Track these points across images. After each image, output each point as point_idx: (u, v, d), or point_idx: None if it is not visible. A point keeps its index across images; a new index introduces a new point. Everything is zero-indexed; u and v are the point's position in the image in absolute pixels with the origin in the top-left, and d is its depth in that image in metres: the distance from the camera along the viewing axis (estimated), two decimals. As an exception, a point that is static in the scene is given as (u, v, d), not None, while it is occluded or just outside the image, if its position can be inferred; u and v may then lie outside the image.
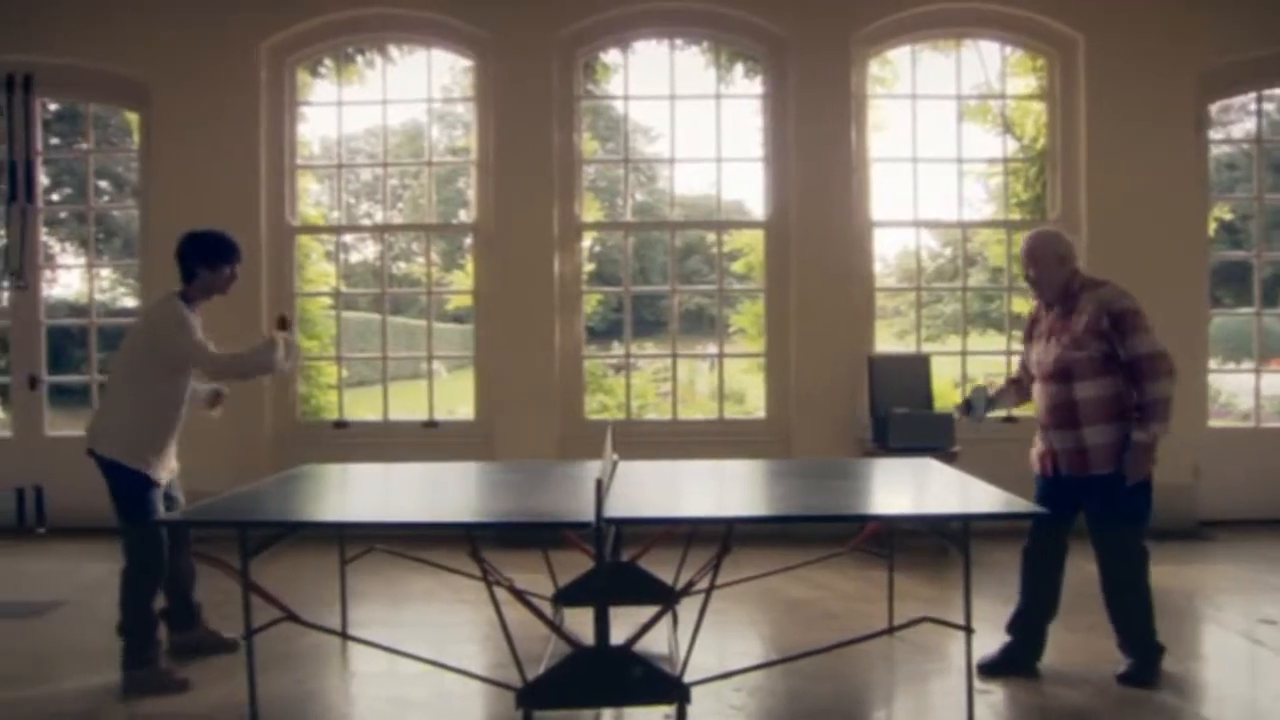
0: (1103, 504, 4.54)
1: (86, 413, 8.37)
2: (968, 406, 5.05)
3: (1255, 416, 8.47)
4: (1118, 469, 4.48)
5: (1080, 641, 4.98)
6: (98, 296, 9.11)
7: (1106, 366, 4.49)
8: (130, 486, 4.72)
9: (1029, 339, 4.91)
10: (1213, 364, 8.87)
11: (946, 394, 8.41)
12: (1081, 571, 4.80)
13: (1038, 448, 4.78)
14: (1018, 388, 5.07)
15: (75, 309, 11.30)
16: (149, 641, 4.68)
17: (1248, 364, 8.71)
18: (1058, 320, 4.66)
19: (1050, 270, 4.66)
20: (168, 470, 4.91)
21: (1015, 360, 8.20)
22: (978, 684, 4.23)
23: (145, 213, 8.30)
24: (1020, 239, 8.16)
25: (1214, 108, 8.39)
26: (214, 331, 5.08)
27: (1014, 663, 4.73)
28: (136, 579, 4.69)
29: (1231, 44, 7.95)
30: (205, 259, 4.88)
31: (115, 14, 7.97)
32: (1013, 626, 4.81)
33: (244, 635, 3.92)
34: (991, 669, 4.70)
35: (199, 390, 5.05)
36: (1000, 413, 5.44)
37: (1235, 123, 9.92)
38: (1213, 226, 8.50)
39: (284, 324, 5.23)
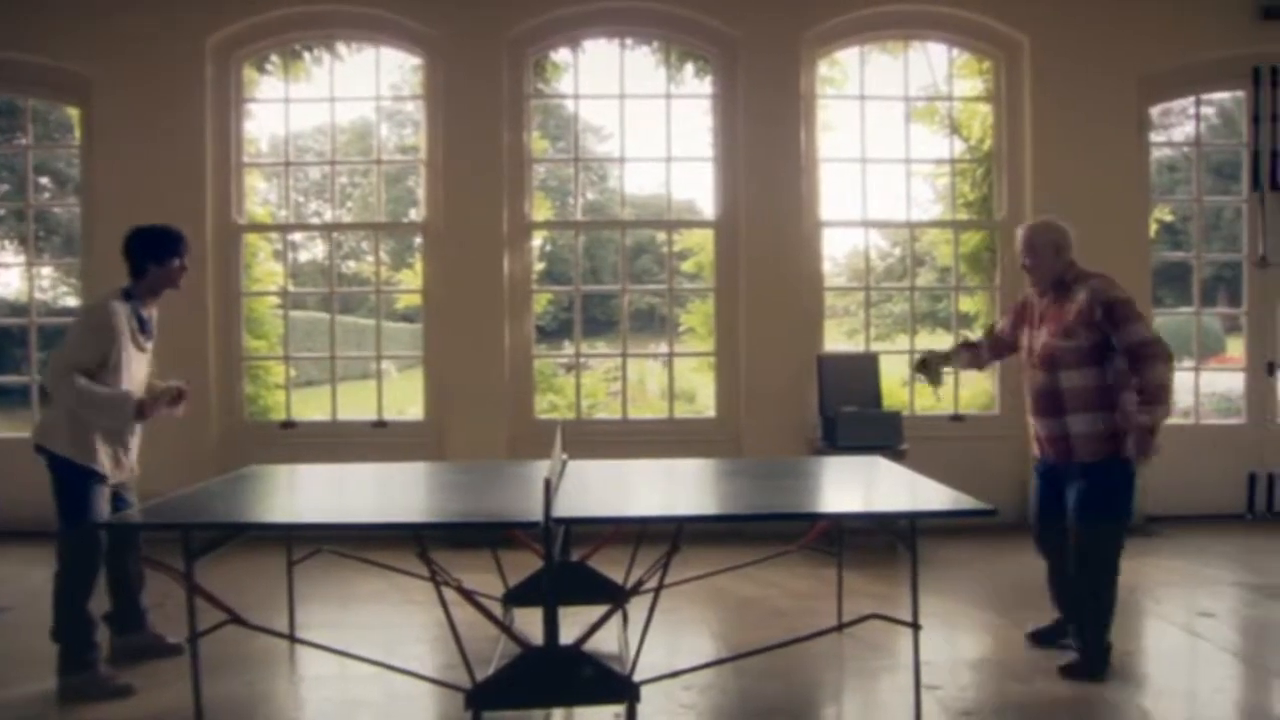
0: (1084, 493, 4.62)
1: (26, 414, 8.27)
2: (923, 365, 5.18)
3: (1195, 414, 8.63)
4: (1103, 459, 4.57)
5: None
6: (38, 295, 8.92)
7: (1093, 357, 4.57)
8: (72, 483, 4.63)
9: (1018, 322, 5.00)
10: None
11: (895, 393, 8.49)
12: (1031, 567, 4.87)
13: (1031, 432, 4.90)
14: (974, 350, 5.21)
15: (14, 308, 11.07)
16: (86, 645, 4.59)
17: (1188, 362, 8.85)
18: (1049, 309, 4.76)
19: (1046, 259, 4.75)
20: (121, 469, 4.82)
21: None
22: (926, 680, 4.27)
23: (87, 210, 8.16)
24: (968, 239, 8.37)
25: (1155, 110, 8.54)
26: (160, 330, 5.02)
27: (1063, 633, 4.90)
28: (70, 581, 4.60)
29: (1172, 48, 8.11)
30: (153, 254, 4.81)
31: (56, 6, 7.82)
32: (1056, 600, 4.95)
33: (188, 639, 3.87)
34: (1041, 638, 4.96)
35: (155, 386, 4.94)
36: (947, 407, 5.48)
37: (1176, 125, 10.06)
38: (1154, 227, 8.65)
39: (179, 398, 4.89)
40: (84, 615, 4.61)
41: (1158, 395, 4.47)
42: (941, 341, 9.51)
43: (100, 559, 4.65)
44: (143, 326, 4.87)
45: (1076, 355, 4.59)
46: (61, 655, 4.58)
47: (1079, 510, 4.64)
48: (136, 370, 4.82)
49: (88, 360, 4.58)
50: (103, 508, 4.68)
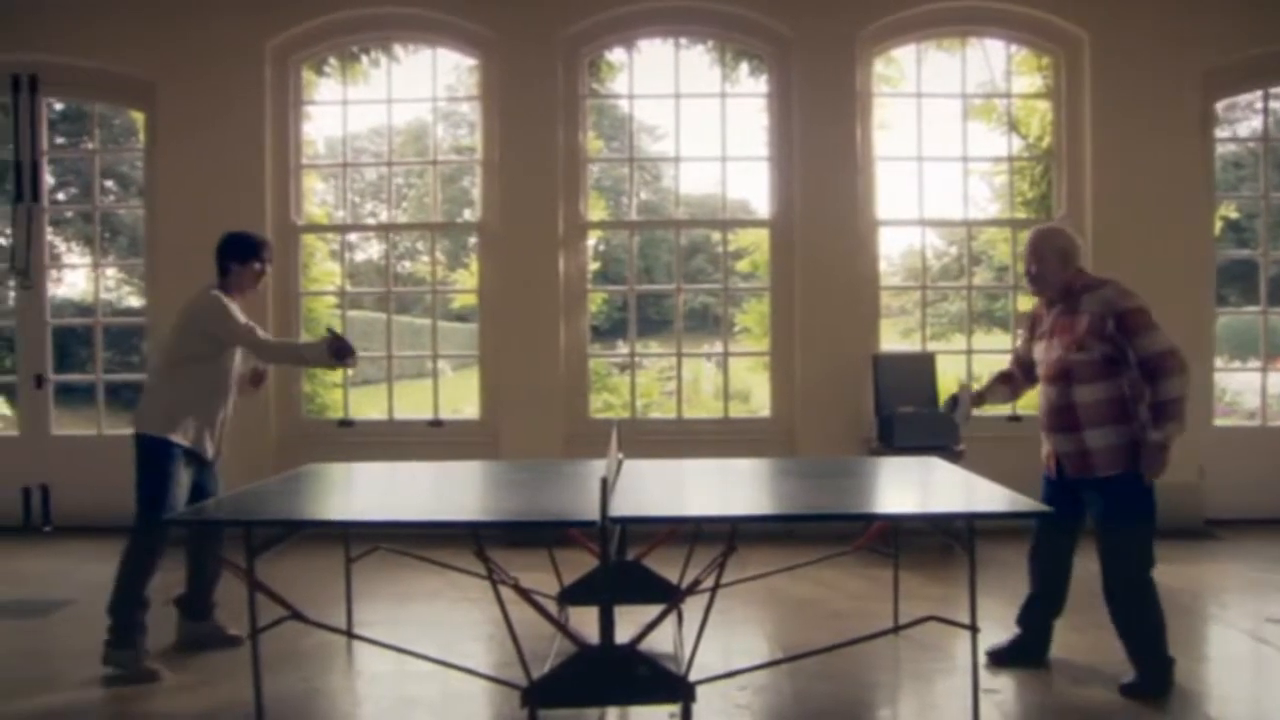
0: (1107, 506, 4.46)
1: (92, 412, 8.43)
2: (954, 403, 5.06)
3: (1261, 415, 8.45)
4: (1121, 471, 4.40)
5: (1088, 640, 4.96)
6: (103, 296, 9.09)
7: (1108, 369, 4.40)
8: (154, 459, 4.88)
9: (1031, 336, 4.85)
10: (1218, 363, 8.90)
11: (951, 392, 8.38)
12: (1088, 570, 4.79)
13: (1045, 448, 4.75)
14: (1009, 383, 5.03)
15: (81, 309, 11.30)
16: (133, 624, 4.78)
17: (1254, 362, 8.70)
18: (1059, 320, 4.58)
19: (1051, 267, 4.57)
20: (206, 442, 5.05)
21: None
22: (984, 683, 4.21)
23: (151, 212, 8.32)
24: (1026, 238, 8.26)
25: (1220, 105, 8.37)
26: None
27: (1022, 654, 4.77)
28: (133, 562, 4.83)
29: (1237, 42, 7.93)
30: (236, 255, 5.17)
31: (120, 13, 7.99)
32: (1021, 619, 4.83)
33: (249, 634, 3.92)
34: (1000, 658, 4.75)
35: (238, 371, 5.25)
36: (1005, 408, 5.36)
37: (1241, 120, 9.91)
38: (1218, 225, 8.48)
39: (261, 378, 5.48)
40: (138, 595, 4.82)
41: (1172, 411, 4.29)
42: (998, 341, 9.42)
43: (165, 547, 4.86)
44: None
45: (1090, 368, 4.40)
46: (111, 629, 4.79)
47: (1105, 525, 4.47)
48: (235, 359, 5.18)
49: (248, 324, 5.04)
50: (181, 493, 4.90)
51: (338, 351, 4.99)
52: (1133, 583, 4.43)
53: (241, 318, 5.03)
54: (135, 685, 4.63)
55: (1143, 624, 4.43)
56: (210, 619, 5.23)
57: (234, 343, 5.03)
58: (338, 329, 5.27)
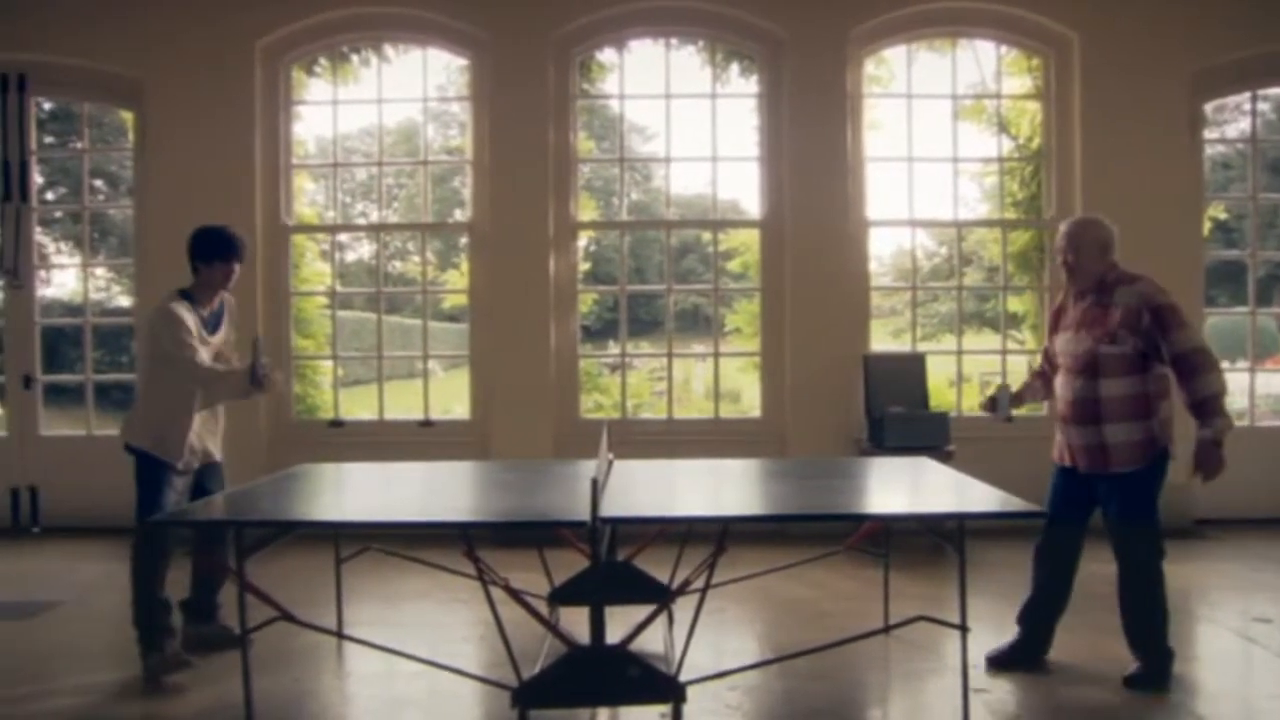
0: (1123, 503, 4.48)
1: (81, 412, 8.42)
2: (993, 404, 4.97)
3: (1250, 415, 8.48)
4: (1138, 468, 4.42)
5: (1081, 641, 4.98)
6: (93, 296, 9.09)
7: (1136, 364, 4.40)
8: (149, 475, 4.86)
9: (1054, 329, 4.80)
10: (1208, 363, 8.91)
11: (942, 393, 8.42)
12: (1087, 571, 4.80)
13: (1058, 439, 4.73)
14: (1044, 381, 4.97)
15: (70, 308, 11.29)
16: (159, 628, 4.78)
17: (1242, 363, 8.74)
18: (1089, 311, 4.55)
19: (1090, 258, 4.55)
20: (196, 453, 5.01)
21: (1009, 359, 8.29)
22: (974, 683, 4.22)
23: (140, 212, 8.30)
24: (1016, 239, 8.28)
25: (1209, 107, 8.40)
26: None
27: (1022, 657, 4.75)
28: (140, 569, 4.80)
29: (1226, 43, 7.97)
30: (202, 254, 5.03)
31: (109, 13, 7.97)
32: (1022, 619, 4.81)
33: (240, 634, 3.92)
34: (1000, 663, 4.73)
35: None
36: (1037, 408, 5.30)
37: (1230, 122, 9.95)
38: (1208, 226, 8.51)
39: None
40: (155, 599, 4.80)
41: (1215, 407, 4.31)
42: (988, 341, 9.44)
43: (168, 550, 4.87)
44: (203, 324, 5.04)
45: (1120, 362, 4.40)
46: (139, 640, 4.76)
47: (1122, 520, 4.48)
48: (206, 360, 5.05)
49: (194, 346, 4.86)
50: (174, 501, 4.87)
51: (255, 378, 4.87)
52: (1148, 572, 4.47)
53: (188, 336, 4.86)
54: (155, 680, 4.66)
55: (1153, 613, 4.49)
56: (216, 620, 5.20)
57: (175, 358, 4.86)
58: (259, 348, 5.04)
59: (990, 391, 5.13)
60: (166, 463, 4.87)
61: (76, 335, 8.81)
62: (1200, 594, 6.10)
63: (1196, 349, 4.35)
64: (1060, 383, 4.67)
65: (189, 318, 4.92)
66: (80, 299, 9.00)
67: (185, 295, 5.01)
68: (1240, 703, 4.47)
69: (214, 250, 5.03)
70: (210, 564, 5.04)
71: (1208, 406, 4.32)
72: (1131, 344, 4.40)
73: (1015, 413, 5.25)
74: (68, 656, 5.03)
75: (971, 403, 8.26)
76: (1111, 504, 4.52)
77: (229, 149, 7.97)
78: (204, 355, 4.96)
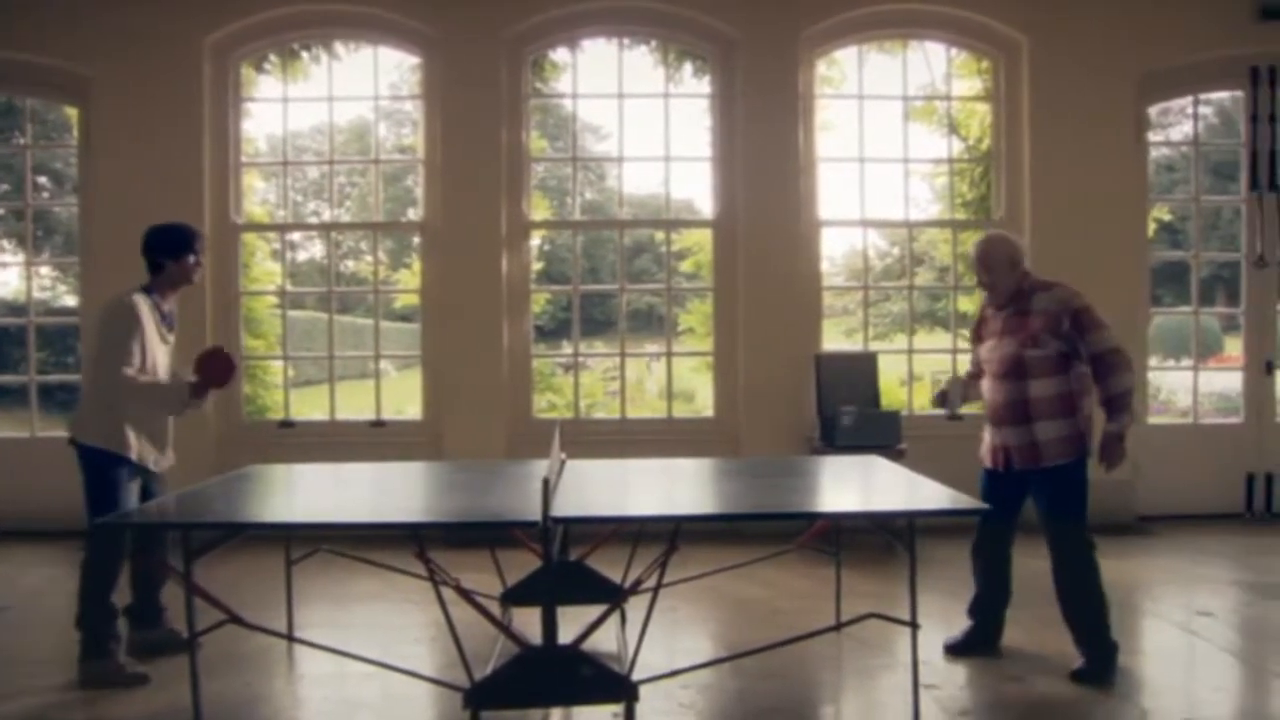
0: (1054, 493, 4.68)
1: (25, 414, 8.26)
2: (944, 398, 5.13)
3: (1194, 413, 8.63)
4: (1068, 460, 4.63)
5: (1028, 635, 5.06)
6: (37, 295, 8.93)
7: (1059, 364, 4.64)
8: (102, 473, 4.75)
9: (978, 339, 5.03)
10: (1152, 361, 9.13)
11: (893, 392, 8.49)
12: (1027, 568, 4.88)
13: (987, 442, 4.91)
14: (978, 382, 5.14)
15: (13, 308, 11.08)
16: (107, 634, 4.68)
17: (1186, 362, 8.88)
18: (1010, 320, 4.78)
19: (1004, 274, 4.79)
20: (151, 455, 4.91)
21: (962, 358, 8.37)
22: (925, 679, 4.27)
23: (86, 210, 8.15)
24: (967, 239, 8.37)
25: (1154, 110, 8.55)
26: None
27: (976, 644, 4.96)
28: (94, 572, 4.70)
29: (1171, 48, 8.11)
30: (169, 250, 4.98)
31: (54, 7, 7.82)
32: (973, 611, 5.02)
33: (187, 638, 3.87)
34: (956, 649, 4.94)
35: (181, 376, 4.99)
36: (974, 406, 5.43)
37: (1174, 125, 10.09)
38: (1152, 227, 8.66)
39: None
40: (107, 605, 4.71)
41: (1124, 403, 4.57)
42: (939, 341, 9.53)
43: (125, 552, 4.77)
44: (164, 320, 5.00)
45: (1046, 364, 4.64)
46: (82, 642, 4.66)
47: (1053, 513, 4.69)
48: (161, 361, 4.97)
49: (132, 352, 4.74)
50: (131, 499, 4.78)
51: (199, 389, 4.84)
52: (1082, 561, 4.64)
53: (131, 343, 4.75)
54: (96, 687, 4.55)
55: (1089, 600, 4.64)
56: (162, 624, 5.12)
57: (112, 371, 4.74)
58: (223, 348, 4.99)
59: (941, 386, 5.27)
60: (121, 458, 4.76)
61: (20, 335, 8.64)
62: (1144, 589, 6.20)
63: (1113, 349, 4.60)
64: (989, 387, 4.87)
65: (147, 314, 4.85)
66: (24, 298, 8.84)
67: (147, 291, 4.95)
68: (1184, 696, 4.54)
69: (183, 244, 4.99)
70: (150, 564, 4.94)
71: (1118, 402, 4.58)
72: (1054, 346, 4.64)
73: (964, 410, 5.35)
74: (14, 662, 4.94)
75: (923, 401, 8.36)
76: (1042, 497, 4.73)
77: (177, 146, 7.86)
78: (160, 357, 4.92)
